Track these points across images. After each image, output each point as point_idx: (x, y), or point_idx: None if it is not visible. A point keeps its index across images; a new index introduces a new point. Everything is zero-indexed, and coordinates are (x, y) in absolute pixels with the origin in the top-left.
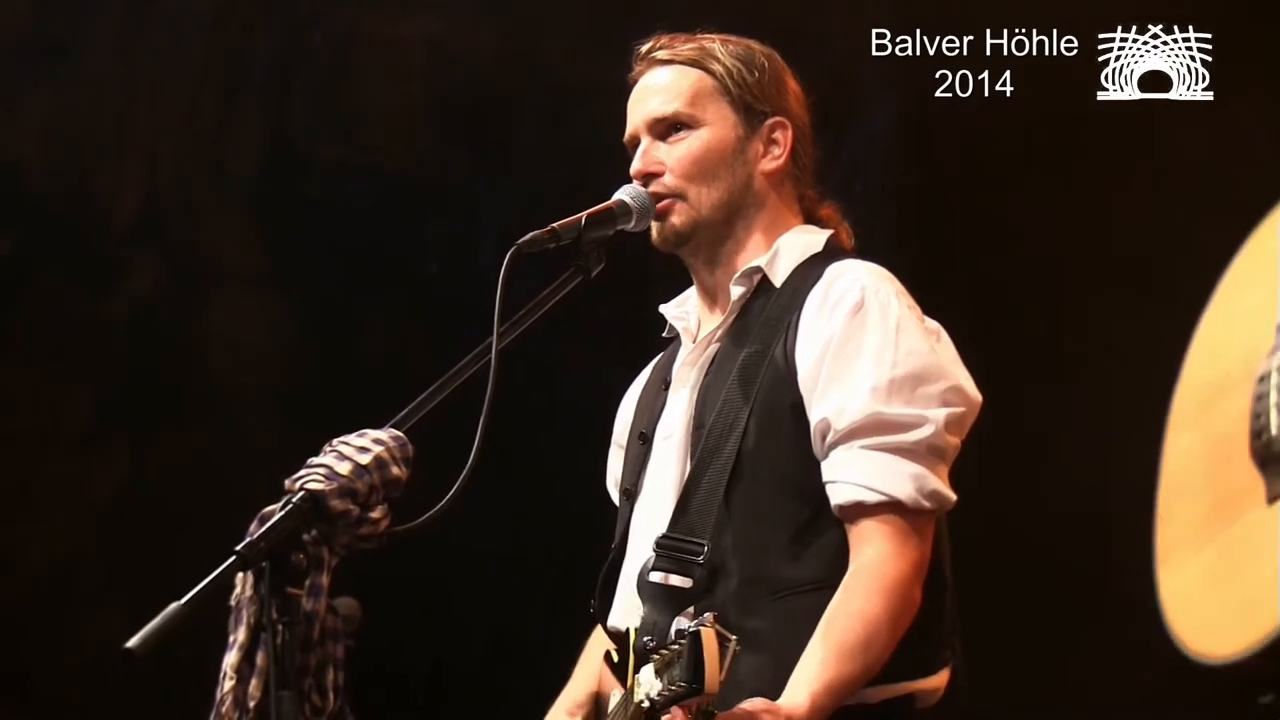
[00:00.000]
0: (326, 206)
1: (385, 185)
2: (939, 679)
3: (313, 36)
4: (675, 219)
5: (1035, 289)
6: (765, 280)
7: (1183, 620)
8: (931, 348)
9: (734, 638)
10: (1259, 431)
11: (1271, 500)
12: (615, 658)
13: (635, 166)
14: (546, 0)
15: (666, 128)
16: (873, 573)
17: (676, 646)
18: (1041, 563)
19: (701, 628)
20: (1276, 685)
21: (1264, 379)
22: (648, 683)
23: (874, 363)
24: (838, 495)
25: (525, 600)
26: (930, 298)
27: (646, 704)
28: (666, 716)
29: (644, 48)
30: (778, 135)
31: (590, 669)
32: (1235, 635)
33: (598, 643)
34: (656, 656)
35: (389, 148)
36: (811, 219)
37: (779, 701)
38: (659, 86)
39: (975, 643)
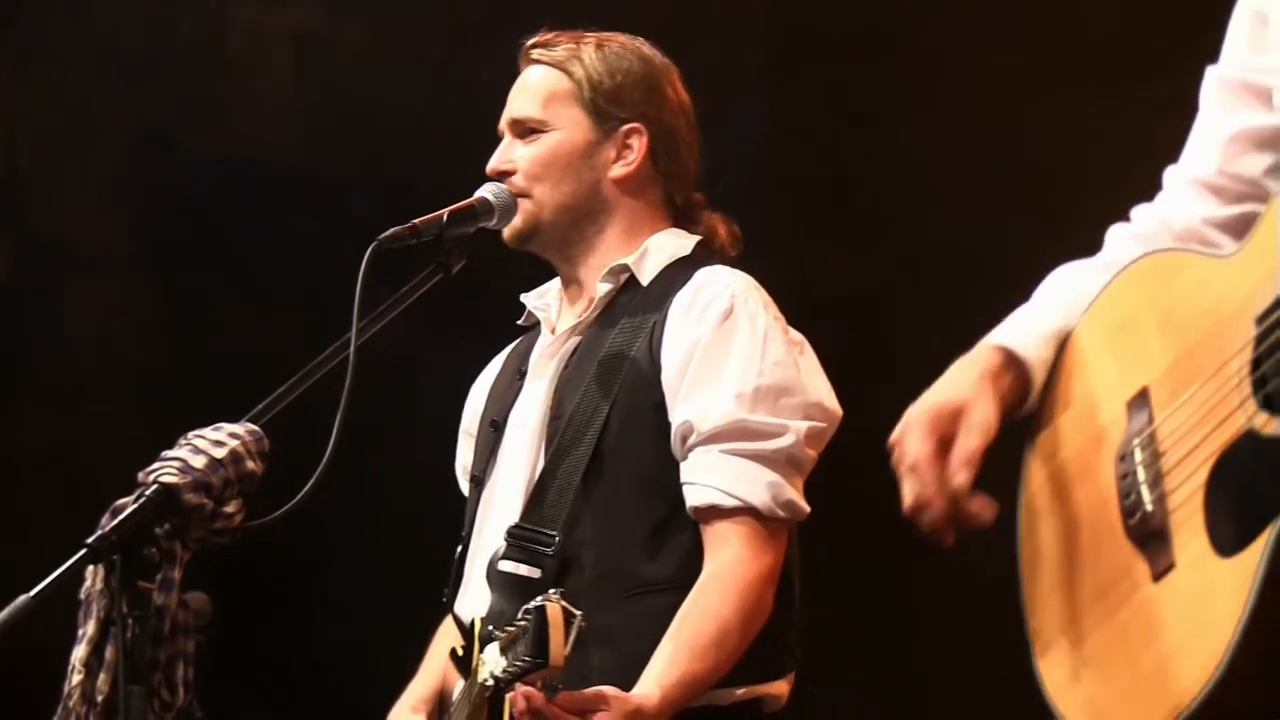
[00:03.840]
0: (191, 196)
1: (250, 176)
2: (784, 684)
3: (181, 24)
4: (517, 218)
5: (901, 291)
6: (632, 278)
7: (1080, 711)
8: (796, 360)
9: (579, 613)
10: (1132, 510)
11: (1158, 577)
12: (460, 653)
13: (490, 164)
14: None
15: (522, 129)
16: (727, 575)
17: (522, 623)
18: (892, 572)
19: (547, 603)
20: None
21: (1126, 458)
22: (492, 661)
23: (740, 369)
24: (694, 497)
25: (381, 594)
26: (791, 301)
27: (491, 682)
28: (511, 693)
29: (528, 43)
30: (632, 141)
31: (436, 665)
32: (1144, 715)
33: (444, 638)
34: (501, 634)
35: (255, 139)
36: (684, 224)
37: (630, 693)
38: (525, 86)
39: (821, 652)
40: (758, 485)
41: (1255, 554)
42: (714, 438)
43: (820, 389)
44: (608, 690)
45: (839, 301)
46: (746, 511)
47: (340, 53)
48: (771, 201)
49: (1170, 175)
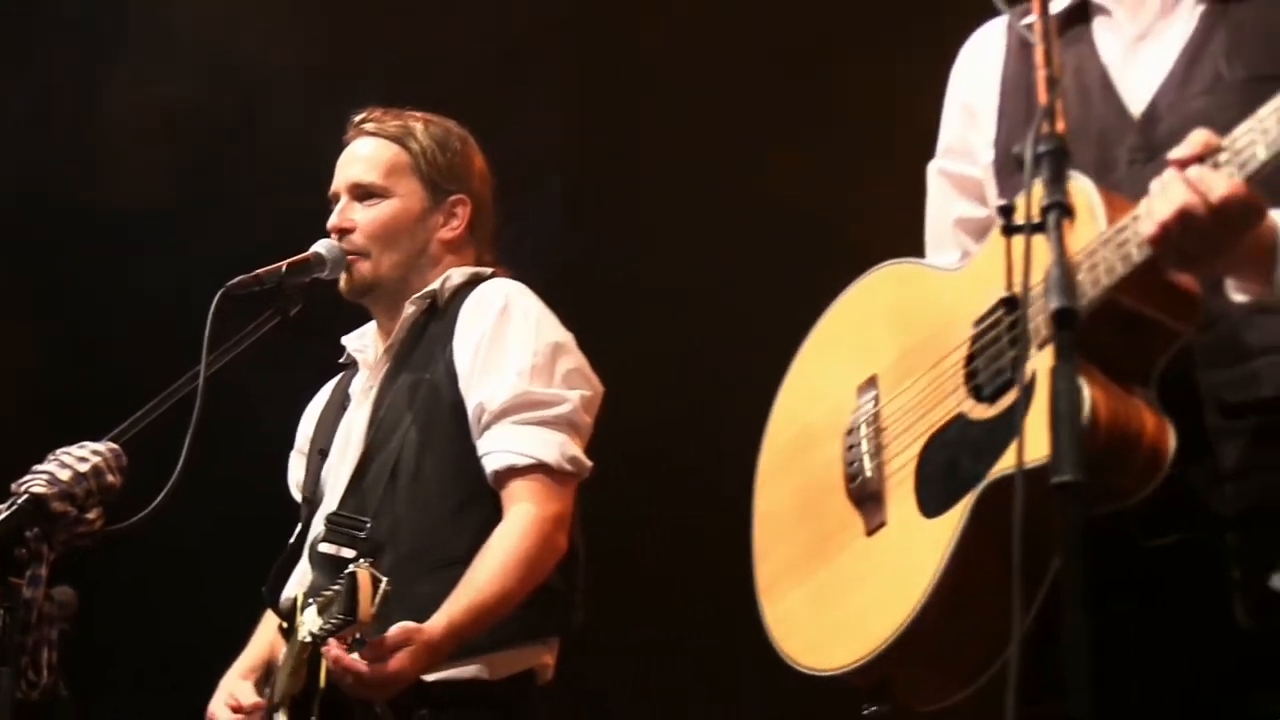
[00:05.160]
0: (71, 245)
1: (123, 227)
2: (550, 655)
3: (64, 92)
4: (360, 271)
5: (681, 342)
6: (434, 303)
7: (792, 641)
8: (566, 342)
9: (385, 578)
10: (854, 475)
11: (871, 532)
12: (286, 626)
13: (331, 221)
14: (270, 74)
15: (363, 193)
16: (518, 519)
17: (336, 587)
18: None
19: (357, 569)
20: (870, 697)
21: (853, 432)
22: (310, 621)
23: (518, 352)
24: (493, 464)
25: (227, 590)
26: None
27: (309, 639)
28: (325, 648)
29: (358, 118)
30: (458, 210)
31: (262, 640)
32: (840, 652)
33: (268, 621)
34: (319, 598)
35: (130, 194)
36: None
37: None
38: (362, 156)
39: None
40: (547, 445)
41: (955, 516)
42: (504, 413)
43: (586, 365)
44: (408, 625)
45: (623, 340)
46: (538, 468)
47: (208, 120)
48: (568, 261)
49: None
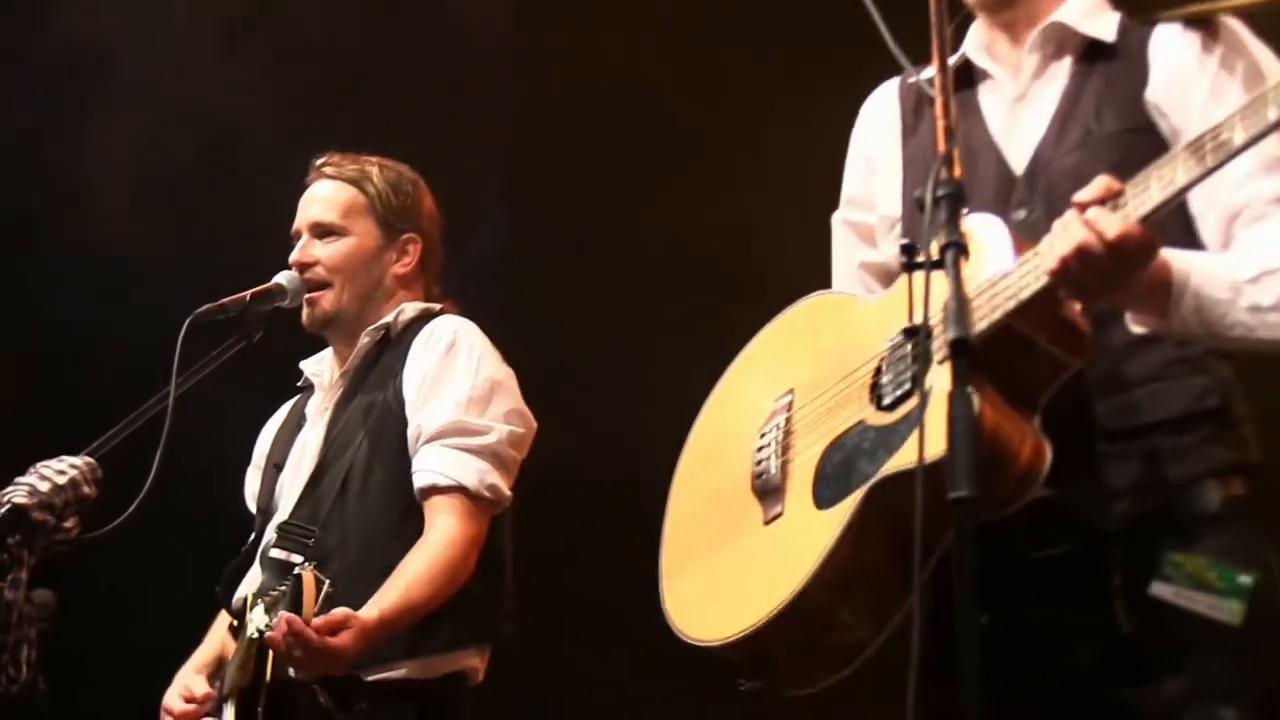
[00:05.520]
0: (54, 276)
1: (101, 257)
2: (480, 660)
3: (43, 134)
4: (321, 304)
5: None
6: (388, 335)
7: (685, 617)
8: (504, 380)
9: (328, 580)
10: (760, 473)
11: (769, 522)
12: (237, 624)
13: (294, 257)
14: (239, 120)
15: (322, 231)
16: (438, 535)
17: (283, 588)
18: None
19: (303, 571)
20: (747, 673)
21: (765, 435)
22: (258, 619)
23: (458, 383)
24: (419, 480)
25: (192, 594)
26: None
27: (256, 635)
28: (276, 621)
29: (318, 161)
30: (410, 248)
31: (215, 639)
32: (722, 626)
33: (222, 620)
34: (266, 598)
35: (107, 227)
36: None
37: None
38: (322, 197)
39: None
40: (468, 470)
41: (844, 508)
42: (436, 436)
43: (522, 404)
44: (346, 610)
45: (558, 375)
46: (458, 490)
47: (174, 161)
48: (508, 299)
49: None
